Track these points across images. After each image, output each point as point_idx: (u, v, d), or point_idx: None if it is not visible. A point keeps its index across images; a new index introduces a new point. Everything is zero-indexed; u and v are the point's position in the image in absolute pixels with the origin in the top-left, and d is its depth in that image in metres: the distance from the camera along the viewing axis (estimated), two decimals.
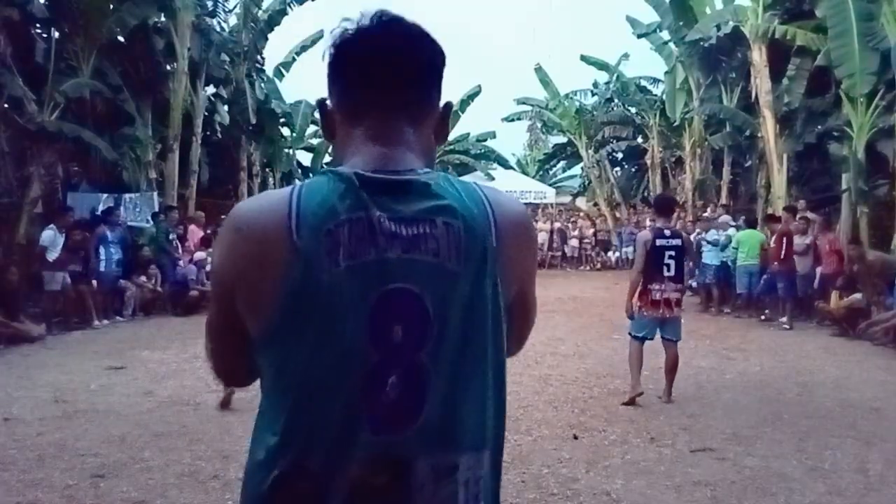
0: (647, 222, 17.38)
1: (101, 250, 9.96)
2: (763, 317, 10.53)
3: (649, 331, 5.61)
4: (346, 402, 0.91)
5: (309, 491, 0.92)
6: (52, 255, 9.21)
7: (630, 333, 5.70)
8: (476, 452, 0.97)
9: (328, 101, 1.06)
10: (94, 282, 9.85)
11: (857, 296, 9.05)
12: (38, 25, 12.00)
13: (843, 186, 11.89)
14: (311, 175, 24.89)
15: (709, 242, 11.62)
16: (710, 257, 11.44)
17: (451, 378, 0.94)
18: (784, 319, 10.01)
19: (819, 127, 13.79)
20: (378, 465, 0.91)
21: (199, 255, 11.65)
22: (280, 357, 0.94)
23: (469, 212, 0.96)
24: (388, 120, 1.01)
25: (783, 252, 10.25)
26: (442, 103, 1.08)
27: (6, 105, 10.90)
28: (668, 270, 5.53)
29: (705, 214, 14.83)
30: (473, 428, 0.96)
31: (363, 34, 0.99)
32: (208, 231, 12.68)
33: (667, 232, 5.67)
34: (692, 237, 12.79)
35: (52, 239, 9.27)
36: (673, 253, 5.55)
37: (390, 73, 1.00)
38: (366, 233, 0.91)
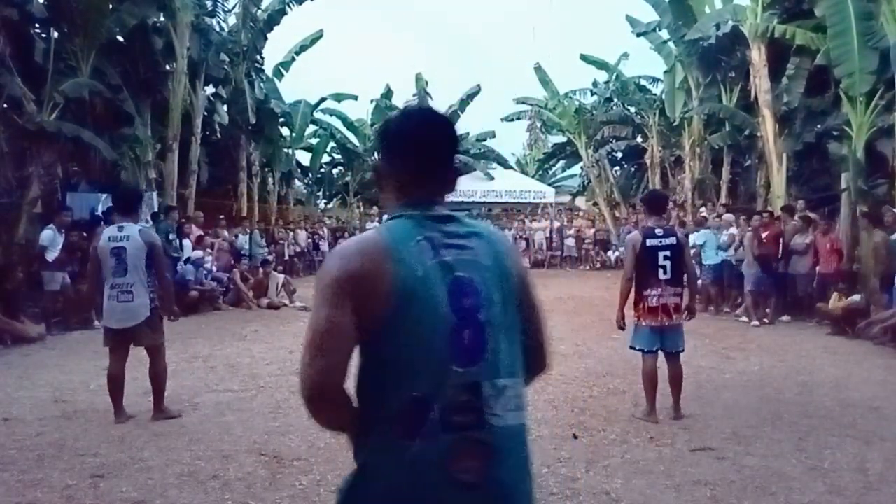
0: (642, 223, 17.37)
1: None
2: (737, 313, 10.65)
3: (654, 341, 5.12)
4: (439, 348, 1.40)
5: (420, 409, 1.39)
6: (51, 255, 9.22)
7: (636, 348, 5.22)
8: (515, 378, 1.50)
9: (380, 166, 1.62)
10: None
11: (856, 297, 9.05)
12: (37, 25, 12.01)
13: (843, 185, 11.85)
14: (309, 174, 25.20)
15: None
16: (709, 257, 11.39)
17: (497, 330, 1.47)
18: (768, 311, 10.25)
19: (818, 126, 13.80)
20: (463, 387, 1.41)
21: (197, 253, 11.64)
22: (397, 323, 1.40)
23: (488, 231, 1.58)
24: (432, 187, 1.57)
25: (779, 252, 10.30)
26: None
27: (6, 105, 10.88)
28: (665, 273, 5.02)
29: (702, 213, 14.79)
30: (512, 362, 1.49)
31: (411, 130, 1.57)
32: (208, 231, 12.67)
33: (658, 231, 5.12)
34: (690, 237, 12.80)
35: (51, 239, 9.28)
36: (668, 253, 5.04)
37: (433, 160, 1.56)
38: (435, 244, 1.46)
